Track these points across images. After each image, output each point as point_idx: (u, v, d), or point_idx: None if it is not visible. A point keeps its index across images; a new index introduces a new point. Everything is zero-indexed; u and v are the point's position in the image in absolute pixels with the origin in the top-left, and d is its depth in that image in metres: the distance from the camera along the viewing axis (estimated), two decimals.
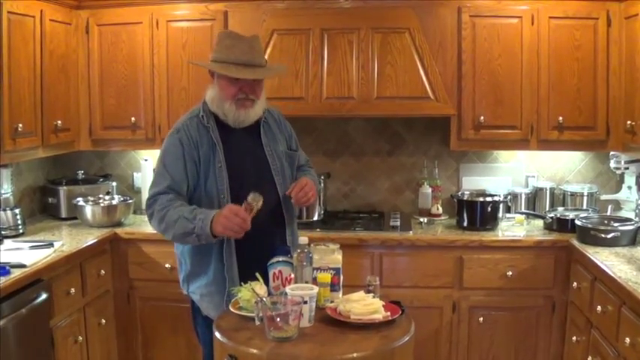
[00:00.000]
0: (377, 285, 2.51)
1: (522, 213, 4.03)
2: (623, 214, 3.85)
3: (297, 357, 2.07)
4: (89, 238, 3.66)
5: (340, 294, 2.48)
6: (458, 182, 4.32)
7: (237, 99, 2.68)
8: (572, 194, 4.08)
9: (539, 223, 3.93)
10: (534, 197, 4.17)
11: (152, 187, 2.74)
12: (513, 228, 3.92)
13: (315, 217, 3.99)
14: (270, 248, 2.58)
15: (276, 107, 3.02)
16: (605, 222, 3.54)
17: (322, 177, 4.03)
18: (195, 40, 3.98)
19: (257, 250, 2.58)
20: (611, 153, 3.94)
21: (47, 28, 3.69)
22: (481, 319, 3.69)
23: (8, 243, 3.44)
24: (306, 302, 2.22)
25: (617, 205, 4.00)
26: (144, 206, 4.24)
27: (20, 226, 3.73)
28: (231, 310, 2.39)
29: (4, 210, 3.68)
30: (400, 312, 2.35)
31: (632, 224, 3.48)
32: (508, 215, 4.05)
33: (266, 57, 3.74)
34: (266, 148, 2.81)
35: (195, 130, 2.72)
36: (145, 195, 4.30)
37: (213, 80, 2.77)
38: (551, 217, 3.81)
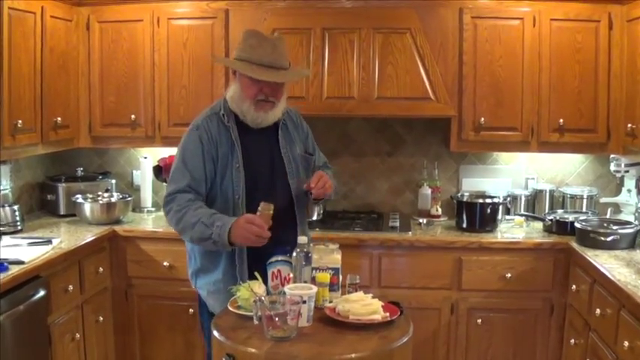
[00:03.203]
0: (357, 284, 2.52)
1: (522, 215, 4.03)
2: (623, 217, 3.85)
3: (295, 356, 2.06)
4: (87, 236, 3.65)
5: (339, 294, 2.47)
6: (457, 183, 4.32)
7: (257, 100, 2.67)
8: (572, 197, 4.08)
9: (539, 225, 3.92)
10: (534, 199, 4.16)
11: (171, 183, 2.70)
12: (512, 230, 3.91)
13: (315, 217, 3.98)
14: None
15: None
16: (605, 225, 3.54)
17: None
18: (196, 38, 3.97)
19: (267, 250, 2.55)
20: (612, 156, 3.93)
21: (48, 25, 3.68)
22: (479, 320, 3.68)
23: (6, 239, 3.43)
24: (304, 302, 2.21)
25: (617, 208, 4.00)
26: (143, 204, 4.33)
27: (19, 223, 3.72)
28: (230, 309, 2.39)
29: (3, 206, 3.67)
30: (399, 313, 2.35)
31: (632, 227, 3.47)
32: (507, 217, 4.04)
33: None
34: (283, 150, 2.80)
35: (215, 128, 2.71)
36: (144, 193, 4.35)
37: (234, 78, 2.73)
38: (551, 220, 3.81)
